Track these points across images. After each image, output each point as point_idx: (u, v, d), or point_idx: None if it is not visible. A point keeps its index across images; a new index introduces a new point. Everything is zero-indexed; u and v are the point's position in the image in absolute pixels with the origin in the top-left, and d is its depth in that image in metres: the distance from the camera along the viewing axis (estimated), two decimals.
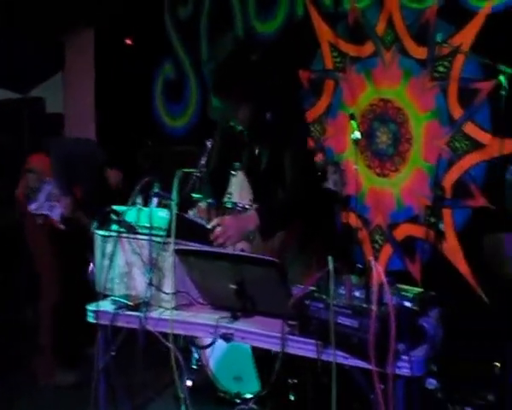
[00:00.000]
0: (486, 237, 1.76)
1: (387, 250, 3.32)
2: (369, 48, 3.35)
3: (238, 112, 2.06)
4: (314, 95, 3.51)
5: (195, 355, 2.32)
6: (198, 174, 2.02)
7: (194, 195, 2.04)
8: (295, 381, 1.84)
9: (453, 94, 3.08)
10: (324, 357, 1.49)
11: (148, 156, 3.52)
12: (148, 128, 4.18)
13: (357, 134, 2.80)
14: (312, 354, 1.50)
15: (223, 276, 1.60)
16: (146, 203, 1.84)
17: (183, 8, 4.05)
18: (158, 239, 1.75)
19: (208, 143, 2.13)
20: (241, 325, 1.63)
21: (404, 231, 3.25)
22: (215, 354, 2.21)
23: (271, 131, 2.09)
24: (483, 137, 2.99)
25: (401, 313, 1.49)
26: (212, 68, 2.07)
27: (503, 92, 2.50)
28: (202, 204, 2.04)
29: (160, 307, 1.76)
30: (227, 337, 1.58)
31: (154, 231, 1.76)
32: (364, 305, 1.49)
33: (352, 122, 2.83)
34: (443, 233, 2.95)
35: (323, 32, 3.49)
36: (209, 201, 2.07)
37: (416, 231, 3.15)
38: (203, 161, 2.09)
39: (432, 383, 2.19)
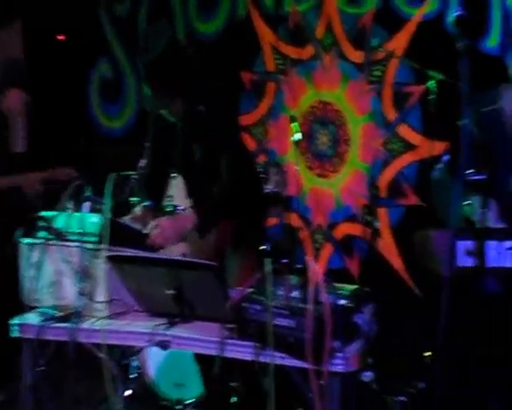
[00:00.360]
0: (416, 234, 1.87)
1: (328, 249, 3.43)
2: (309, 51, 3.43)
3: (171, 104, 2.05)
4: (256, 96, 3.56)
5: (135, 363, 2.29)
6: (136, 177, 1.99)
7: (132, 199, 2.01)
8: (237, 384, 1.86)
9: (388, 97, 3.22)
10: (262, 359, 1.52)
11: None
12: (83, 129, 4.01)
13: (298, 136, 2.87)
14: (251, 357, 1.54)
15: (159, 282, 1.59)
16: (77, 208, 1.79)
17: (120, 4, 3.94)
18: (89, 246, 1.70)
19: (147, 145, 2.11)
20: (178, 331, 1.62)
21: (342, 230, 3.36)
22: (155, 361, 2.19)
23: (205, 125, 2.08)
24: (415, 138, 3.14)
25: (336, 310, 1.56)
26: (146, 59, 2.04)
27: (433, 96, 2.65)
28: (138, 209, 2.01)
29: (93, 316, 1.72)
30: (163, 345, 1.58)
31: (85, 238, 1.71)
32: (301, 305, 1.55)
33: (293, 124, 2.90)
34: (378, 231, 3.09)
35: (265, 33, 3.54)
36: (146, 204, 2.04)
37: (354, 229, 3.27)
38: (142, 164, 2.07)
39: (368, 376, 2.28)
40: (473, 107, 2.03)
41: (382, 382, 2.33)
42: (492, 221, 1.87)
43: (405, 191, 3.17)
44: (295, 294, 1.60)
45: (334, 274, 3.27)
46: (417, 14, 3.10)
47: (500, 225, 1.84)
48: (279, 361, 1.52)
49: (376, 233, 2.82)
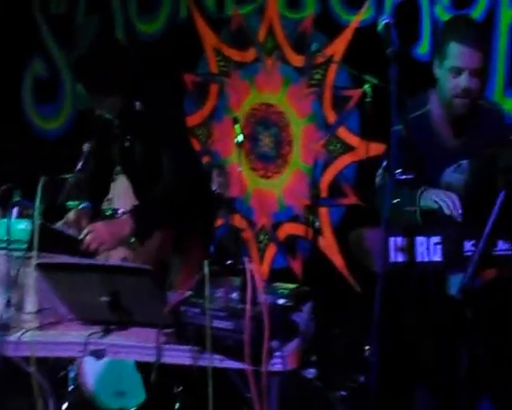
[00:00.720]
0: (351, 233, 1.94)
1: (272, 250, 3.48)
2: (251, 54, 3.48)
3: (105, 101, 1.98)
4: (199, 98, 3.56)
5: (72, 374, 2.22)
6: (72, 180, 1.93)
7: (68, 203, 1.95)
8: (179, 389, 1.86)
9: (327, 100, 3.32)
10: (201, 362, 1.53)
11: None
12: (17, 131, 3.82)
13: (241, 137, 2.90)
14: (189, 361, 1.54)
15: (93, 289, 1.55)
16: (5, 214, 1.70)
17: (56, 2, 3.82)
18: (17, 254, 1.63)
19: (85, 147, 2.05)
20: (113, 339, 1.58)
21: (286, 230, 3.43)
22: (94, 370, 2.14)
23: (143, 122, 2.01)
24: (353, 140, 3.26)
25: (275, 310, 1.59)
26: (77, 55, 1.93)
27: (369, 100, 2.75)
28: (71, 214, 1.94)
29: (22, 328, 1.62)
30: (98, 354, 1.55)
31: (12, 245, 1.63)
32: (240, 306, 1.57)
33: (236, 126, 2.93)
34: (319, 230, 3.18)
35: (207, 36, 3.55)
36: (81, 207, 1.98)
37: (297, 229, 3.34)
38: (79, 166, 2.00)
39: (310, 373, 2.35)
40: (403, 110, 2.13)
41: (325, 378, 2.41)
42: None
43: (345, 191, 3.28)
44: (234, 295, 1.62)
45: (278, 274, 3.38)
46: (354, 21, 3.22)
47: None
48: (218, 364, 1.53)
49: (318, 233, 2.91)
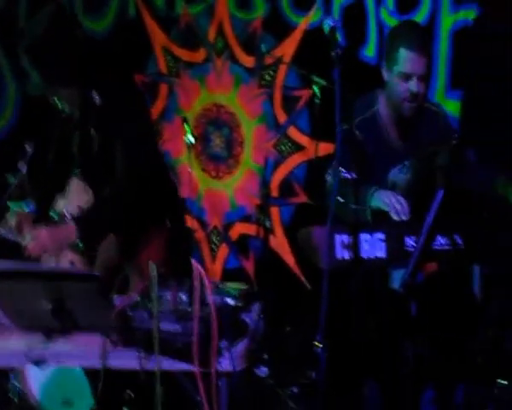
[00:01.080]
0: (299, 231, 1.97)
1: (224, 250, 3.49)
2: (201, 54, 3.46)
3: (61, 92, 1.93)
4: (149, 98, 3.51)
5: (16, 384, 2.13)
6: (16, 181, 1.86)
7: (11, 205, 1.88)
8: (128, 394, 1.83)
9: (278, 101, 3.35)
10: (149, 367, 1.52)
11: None
12: None
13: (191, 138, 2.88)
14: (137, 366, 1.52)
15: (35, 295, 1.50)
16: None
17: None
18: None
19: (28, 147, 1.97)
20: (56, 346, 1.55)
21: (238, 230, 3.44)
22: (39, 379, 2.07)
23: (102, 117, 1.95)
24: (303, 140, 3.31)
25: (223, 311, 1.60)
26: (30, 41, 1.84)
27: (317, 100, 2.80)
28: (11, 217, 1.87)
29: None
30: (40, 362, 1.50)
31: None
32: (188, 308, 1.57)
33: (186, 126, 2.91)
34: (270, 229, 3.21)
35: (157, 35, 3.51)
36: (23, 210, 1.91)
37: (249, 229, 3.36)
38: (22, 167, 1.93)
39: (263, 371, 2.37)
40: (348, 111, 2.18)
41: (277, 376, 2.43)
42: None
43: (296, 190, 3.33)
44: (183, 297, 1.62)
45: (231, 274, 3.39)
46: (303, 23, 3.26)
47: None
48: (167, 367, 1.52)
49: (269, 232, 2.94)
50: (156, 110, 3.52)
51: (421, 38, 2.12)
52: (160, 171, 2.18)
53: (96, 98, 1.96)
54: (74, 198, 2.01)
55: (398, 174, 2.20)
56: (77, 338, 1.59)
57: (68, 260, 1.97)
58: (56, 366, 1.67)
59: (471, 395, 1.87)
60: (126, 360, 1.54)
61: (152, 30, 3.50)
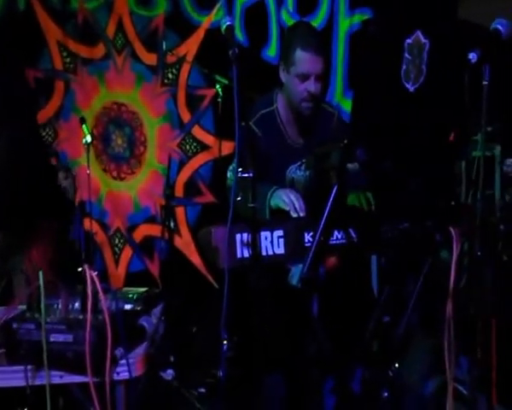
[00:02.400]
0: (199, 231, 1.95)
1: (128, 253, 3.39)
2: (100, 50, 3.33)
3: None
4: (43, 96, 3.31)
5: None
6: None
7: None
8: None
9: (182, 100, 3.30)
10: (38, 382, 1.42)
11: None
12: None
13: (88, 138, 2.75)
14: (24, 382, 1.42)
15: None
16: None
17: None
18: None
19: None
20: None
21: (142, 231, 3.36)
22: None
23: None
24: (208, 138, 3.29)
25: (119, 317, 1.53)
26: None
27: (220, 99, 2.80)
28: None
29: None
30: None
31: None
32: (80, 316, 1.49)
33: (83, 126, 2.77)
34: (176, 230, 3.16)
35: (51, 29, 3.31)
36: None
37: (154, 230, 3.29)
38: None
39: (169, 374, 2.33)
40: (247, 110, 2.20)
41: (184, 377, 2.40)
42: None
43: (202, 190, 3.30)
44: (75, 305, 1.53)
45: (135, 277, 3.29)
46: (206, 22, 3.24)
47: None
48: (57, 381, 1.43)
49: (174, 232, 2.89)
50: (51, 108, 3.34)
51: (317, 39, 2.18)
52: (42, 172, 2.06)
53: None
54: None
55: (296, 171, 2.26)
56: None
57: None
58: None
59: (367, 381, 1.96)
60: (11, 377, 1.43)
61: (45, 24, 3.30)
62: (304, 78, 2.12)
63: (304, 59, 2.10)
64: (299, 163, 2.25)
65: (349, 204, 2.02)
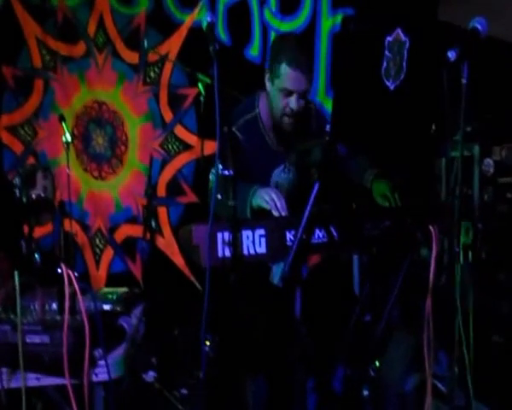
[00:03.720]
0: (180, 230, 1.93)
1: (109, 253, 3.35)
2: (81, 48, 3.28)
3: None
4: (21, 94, 3.26)
5: None
6: None
7: None
8: None
9: (164, 99, 3.28)
10: (14, 384, 1.39)
11: None
12: None
13: (68, 136, 2.71)
14: None
15: None
16: None
17: None
18: None
19: None
20: None
21: (124, 232, 3.32)
22: None
23: None
24: (190, 138, 3.27)
25: (97, 318, 1.51)
26: None
27: (202, 99, 2.78)
28: None
29: None
30: None
31: None
32: (57, 317, 1.46)
33: (63, 124, 2.73)
34: (157, 230, 3.13)
35: (30, 26, 3.26)
36: None
37: (136, 231, 3.26)
38: None
39: (150, 376, 2.30)
40: (236, 113, 2.18)
41: (166, 379, 2.37)
42: None
43: (184, 190, 3.28)
44: (52, 306, 1.50)
45: (117, 278, 3.25)
46: (188, 21, 3.22)
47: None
48: (34, 383, 1.41)
49: (155, 232, 2.86)
50: (30, 107, 3.29)
51: (305, 57, 2.14)
52: None
53: None
54: None
55: (280, 175, 2.25)
56: None
57: None
58: None
59: (349, 379, 1.96)
60: None
61: (24, 21, 3.25)
62: (287, 93, 2.09)
63: (289, 76, 2.06)
64: (282, 166, 2.24)
65: (378, 204, 2.03)
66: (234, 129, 2.15)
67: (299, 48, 2.19)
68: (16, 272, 1.43)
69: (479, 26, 1.57)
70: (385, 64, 2.99)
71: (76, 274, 1.61)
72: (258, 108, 2.21)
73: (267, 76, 2.17)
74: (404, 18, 2.94)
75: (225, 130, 1.77)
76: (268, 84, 2.17)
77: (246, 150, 2.13)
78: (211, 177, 2.21)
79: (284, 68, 2.07)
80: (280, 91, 2.10)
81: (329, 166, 1.74)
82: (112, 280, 3.23)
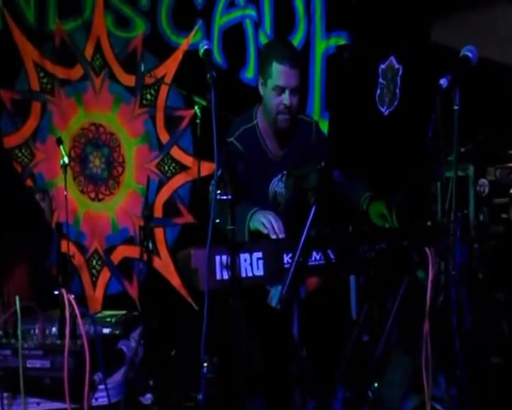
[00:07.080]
0: (179, 253, 1.94)
1: (106, 275, 3.34)
2: (78, 71, 3.32)
3: None
4: (19, 117, 3.28)
5: None
6: None
7: None
8: None
9: (160, 120, 3.31)
10: (14, 409, 1.39)
11: None
12: None
13: (65, 159, 2.73)
14: None
15: None
16: None
17: None
18: None
19: None
20: None
21: (120, 253, 3.32)
22: None
23: None
24: (187, 159, 3.30)
25: (97, 341, 1.51)
26: None
27: (198, 120, 2.82)
28: None
29: None
30: None
31: None
32: (58, 341, 1.47)
33: (61, 147, 2.75)
34: (154, 251, 3.13)
35: (27, 50, 3.29)
36: None
37: (132, 251, 3.26)
38: None
39: (147, 399, 2.28)
40: (234, 125, 2.23)
41: (163, 401, 2.36)
42: None
43: (181, 210, 3.30)
44: (52, 330, 1.51)
45: (114, 300, 3.24)
46: (184, 44, 3.27)
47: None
48: (34, 408, 1.40)
49: (152, 253, 2.86)
50: (27, 130, 3.31)
51: (292, 52, 2.24)
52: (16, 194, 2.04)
53: None
54: None
55: (278, 184, 2.29)
56: None
57: None
58: None
59: (348, 401, 1.96)
60: None
61: (22, 45, 3.28)
62: (280, 90, 2.17)
63: (279, 72, 2.15)
64: (280, 175, 2.28)
65: (376, 225, 2.06)
66: (232, 139, 2.20)
67: (285, 45, 2.29)
68: (17, 297, 1.44)
69: (470, 55, 1.63)
70: (379, 91, 3.05)
71: (73, 296, 1.61)
72: (257, 119, 2.27)
73: (260, 82, 2.24)
74: (397, 46, 3.01)
75: (223, 147, 1.80)
76: (261, 89, 2.24)
77: (244, 160, 2.16)
78: (210, 188, 2.24)
79: (275, 66, 2.16)
80: (273, 91, 2.18)
81: (326, 190, 1.77)
82: (108, 301, 3.22)
